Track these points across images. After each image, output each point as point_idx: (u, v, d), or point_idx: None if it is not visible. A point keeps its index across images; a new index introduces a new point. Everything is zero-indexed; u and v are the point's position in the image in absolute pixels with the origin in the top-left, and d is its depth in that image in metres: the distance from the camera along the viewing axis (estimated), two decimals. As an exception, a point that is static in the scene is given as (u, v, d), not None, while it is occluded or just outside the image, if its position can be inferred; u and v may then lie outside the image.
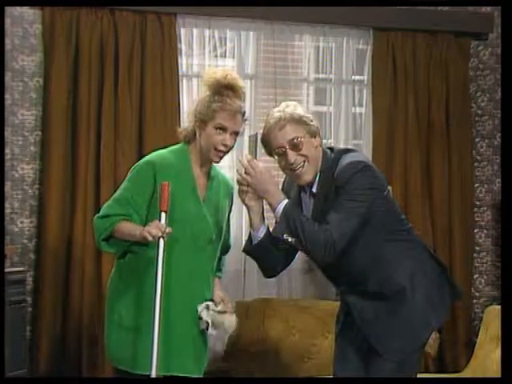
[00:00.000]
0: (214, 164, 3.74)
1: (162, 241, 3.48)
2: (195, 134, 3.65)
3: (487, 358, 5.29)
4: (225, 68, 3.69)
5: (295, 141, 3.36)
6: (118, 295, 3.68)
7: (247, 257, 5.72)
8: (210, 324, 3.60)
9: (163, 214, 3.49)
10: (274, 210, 3.33)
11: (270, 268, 3.57)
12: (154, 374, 3.46)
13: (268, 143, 3.45)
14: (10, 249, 5.29)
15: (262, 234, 3.45)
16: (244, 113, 3.67)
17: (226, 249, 3.86)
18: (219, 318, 3.61)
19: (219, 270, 3.83)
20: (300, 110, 3.45)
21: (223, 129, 3.57)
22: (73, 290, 5.50)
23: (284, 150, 3.38)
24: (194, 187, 3.64)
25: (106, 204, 3.67)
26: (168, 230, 3.46)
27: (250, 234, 3.51)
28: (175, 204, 3.54)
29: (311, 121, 3.43)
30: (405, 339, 3.38)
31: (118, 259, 3.72)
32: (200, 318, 3.60)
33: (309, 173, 3.40)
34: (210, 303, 3.62)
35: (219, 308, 3.62)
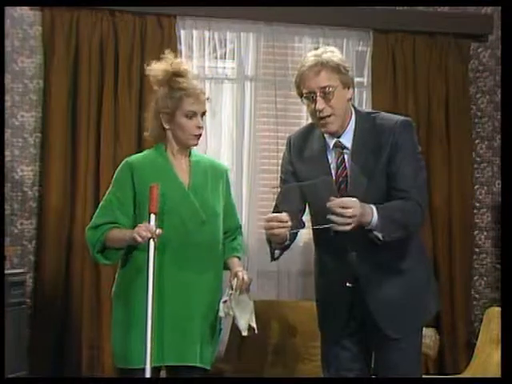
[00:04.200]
0: (193, 150, 3.77)
1: (152, 242, 3.49)
2: (163, 131, 3.69)
3: (487, 360, 5.28)
4: (166, 59, 3.72)
5: (327, 89, 3.27)
6: (117, 297, 3.70)
7: (247, 258, 5.83)
8: (225, 312, 3.58)
9: (152, 216, 3.50)
10: (369, 223, 3.17)
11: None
12: (148, 374, 3.46)
13: (299, 86, 3.33)
14: (9, 250, 5.29)
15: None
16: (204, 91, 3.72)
17: (235, 229, 3.83)
18: (234, 302, 3.59)
19: (236, 250, 3.79)
20: (337, 58, 3.33)
21: (193, 114, 3.63)
22: (72, 291, 5.50)
23: (314, 96, 3.29)
24: (175, 177, 3.66)
25: (95, 213, 3.70)
26: (158, 231, 3.48)
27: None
28: (160, 197, 3.55)
29: (347, 70, 3.33)
30: (410, 314, 3.37)
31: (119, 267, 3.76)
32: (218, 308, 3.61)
33: (335, 124, 3.30)
34: (229, 291, 3.60)
35: (231, 292, 3.59)
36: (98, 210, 3.69)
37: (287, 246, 3.38)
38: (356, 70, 6.11)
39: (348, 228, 3.10)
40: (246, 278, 3.63)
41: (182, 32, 5.83)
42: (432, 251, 5.94)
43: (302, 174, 3.41)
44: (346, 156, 3.35)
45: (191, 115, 3.64)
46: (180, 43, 5.81)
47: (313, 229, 3.36)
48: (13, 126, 5.62)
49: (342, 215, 3.08)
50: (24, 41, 5.66)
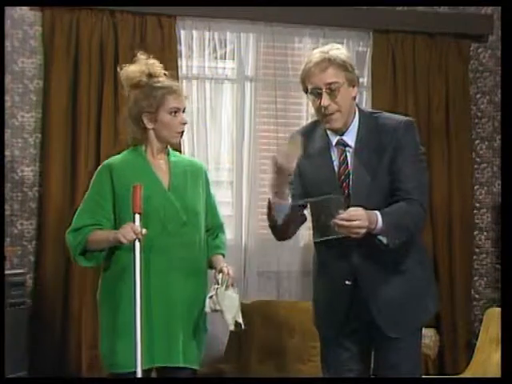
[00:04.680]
0: (171, 150, 3.77)
1: (137, 243, 3.48)
2: (144, 132, 3.67)
3: (487, 361, 5.27)
4: (139, 61, 3.71)
5: (333, 86, 3.27)
6: (103, 301, 3.69)
7: (247, 259, 5.84)
8: (211, 308, 3.57)
9: (137, 216, 3.49)
10: (374, 229, 3.19)
11: (288, 233, 3.46)
12: (139, 374, 3.45)
13: (305, 81, 3.34)
14: (9, 251, 5.29)
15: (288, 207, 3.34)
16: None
17: (217, 227, 3.83)
18: (220, 297, 3.58)
19: (219, 247, 3.79)
20: (344, 55, 3.34)
21: (177, 110, 3.65)
22: (72, 291, 5.50)
23: (320, 91, 3.29)
24: (154, 177, 3.65)
25: (75, 216, 3.67)
26: (144, 231, 3.47)
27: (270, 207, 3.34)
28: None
29: (353, 68, 3.34)
30: (409, 314, 3.37)
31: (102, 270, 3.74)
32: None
33: (339, 121, 3.31)
34: (215, 286, 3.59)
35: (217, 286, 3.57)
36: (77, 213, 3.66)
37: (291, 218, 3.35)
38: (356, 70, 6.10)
39: (357, 237, 3.16)
40: (231, 272, 3.62)
41: (182, 32, 5.83)
42: (432, 251, 5.94)
43: (306, 170, 3.41)
44: (348, 154, 3.36)
45: (175, 112, 3.65)
46: (180, 43, 5.81)
47: (317, 234, 3.39)
48: (13, 126, 5.62)
49: (349, 228, 3.12)
50: (24, 41, 5.65)
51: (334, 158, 3.38)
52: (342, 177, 3.35)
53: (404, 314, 3.36)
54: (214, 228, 3.81)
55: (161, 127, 3.65)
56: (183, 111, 3.70)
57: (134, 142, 3.73)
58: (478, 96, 6.33)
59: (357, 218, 3.12)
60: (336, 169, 3.36)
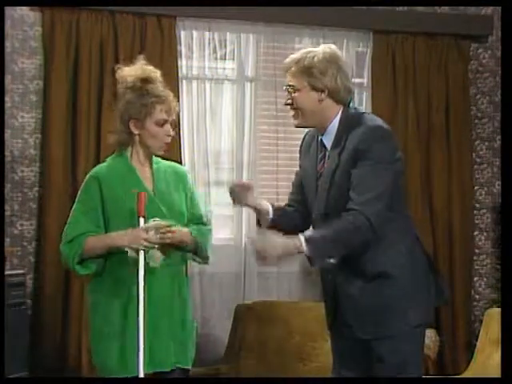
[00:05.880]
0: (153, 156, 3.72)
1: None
2: (131, 136, 3.63)
3: (487, 361, 5.27)
4: (137, 64, 3.65)
5: (290, 88, 3.34)
6: (95, 307, 3.65)
7: (247, 260, 5.84)
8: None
9: (141, 220, 3.48)
10: (300, 252, 3.24)
11: (294, 229, 3.50)
12: (141, 374, 3.44)
13: None
14: (9, 251, 5.29)
15: (272, 214, 3.52)
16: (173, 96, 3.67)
17: (198, 221, 3.76)
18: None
19: (194, 229, 3.68)
20: (316, 61, 3.31)
21: (164, 122, 3.58)
22: (72, 292, 5.50)
23: (286, 89, 3.40)
24: (140, 183, 3.62)
25: (66, 228, 3.62)
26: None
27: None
28: (127, 204, 3.53)
29: (321, 73, 3.30)
30: (379, 318, 3.32)
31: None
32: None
33: (298, 119, 3.38)
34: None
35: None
36: (68, 225, 3.62)
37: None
38: (356, 71, 6.12)
39: (271, 264, 3.29)
40: (177, 238, 3.56)
41: (182, 33, 5.84)
42: (432, 252, 5.94)
43: (304, 167, 3.50)
44: (326, 154, 3.40)
45: (162, 123, 3.59)
46: (180, 44, 5.82)
47: None
48: (13, 126, 5.62)
49: (258, 257, 3.24)
50: (24, 42, 5.66)
51: (319, 157, 3.43)
52: (318, 175, 3.40)
53: (372, 317, 3.34)
54: (195, 220, 3.74)
55: (146, 135, 3.59)
56: (172, 123, 3.63)
57: (119, 144, 3.70)
58: (478, 96, 6.34)
59: (267, 250, 3.22)
60: (316, 167, 3.42)
